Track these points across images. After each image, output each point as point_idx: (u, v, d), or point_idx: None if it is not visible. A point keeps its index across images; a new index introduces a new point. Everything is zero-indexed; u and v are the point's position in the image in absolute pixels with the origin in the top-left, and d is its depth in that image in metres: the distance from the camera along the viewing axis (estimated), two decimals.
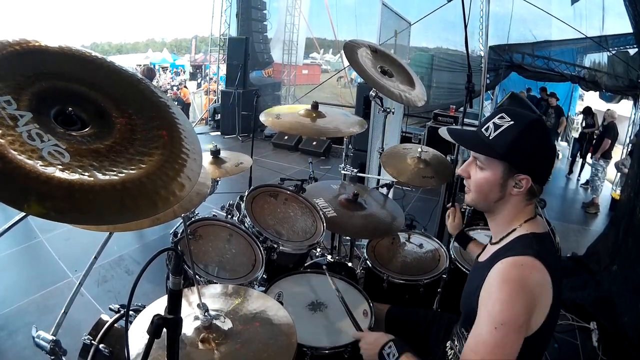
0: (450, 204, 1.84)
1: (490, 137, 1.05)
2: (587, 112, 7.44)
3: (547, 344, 1.04)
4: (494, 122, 1.06)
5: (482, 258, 1.20)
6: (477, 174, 1.11)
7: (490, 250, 1.14)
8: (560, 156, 9.02)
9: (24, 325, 2.45)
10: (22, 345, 2.29)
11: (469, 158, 1.16)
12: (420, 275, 1.91)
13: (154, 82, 5.17)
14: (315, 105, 2.00)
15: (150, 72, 5.63)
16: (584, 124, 7.59)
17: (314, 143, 7.45)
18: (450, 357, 1.27)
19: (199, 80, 15.39)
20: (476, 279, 1.08)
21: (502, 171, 1.05)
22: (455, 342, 1.26)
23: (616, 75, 6.69)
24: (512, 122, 1.03)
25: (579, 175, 7.35)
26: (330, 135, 2.02)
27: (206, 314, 1.08)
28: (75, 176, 0.61)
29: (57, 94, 0.72)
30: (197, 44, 21.79)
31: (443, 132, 2.36)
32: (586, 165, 7.23)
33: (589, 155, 6.76)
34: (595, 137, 6.81)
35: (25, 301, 2.72)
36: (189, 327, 1.08)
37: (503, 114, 1.06)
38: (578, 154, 7.75)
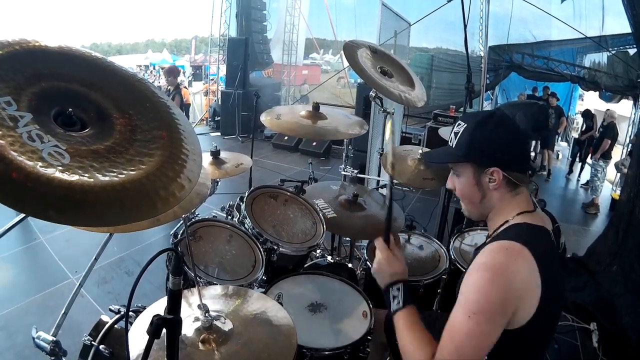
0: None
1: (453, 146, 1.12)
2: (587, 114, 7.44)
3: (544, 342, 1.03)
4: (454, 132, 1.13)
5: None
6: (457, 183, 1.16)
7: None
8: (560, 156, 9.02)
9: (24, 325, 2.45)
10: (22, 346, 2.29)
11: None
12: (420, 276, 1.91)
13: (156, 83, 5.11)
14: (316, 107, 2.00)
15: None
16: (583, 127, 7.58)
17: (314, 144, 7.45)
18: None
19: (189, 78, 15.36)
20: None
21: (472, 172, 1.10)
22: None
23: (616, 75, 6.69)
24: (465, 125, 1.09)
25: (579, 176, 7.35)
26: (330, 137, 2.02)
27: (206, 314, 1.08)
28: (75, 177, 0.61)
29: (57, 94, 0.72)
30: (197, 45, 21.80)
31: (443, 132, 2.37)
32: (586, 165, 7.23)
33: (589, 156, 6.76)
34: (594, 138, 6.82)
35: (26, 302, 2.72)
36: (189, 328, 1.08)
37: (459, 121, 1.13)
38: (578, 156, 7.74)
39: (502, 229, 1.08)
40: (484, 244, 1.07)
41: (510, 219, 1.07)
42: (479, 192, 1.10)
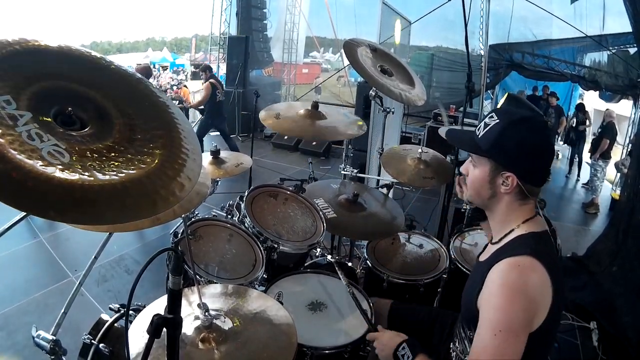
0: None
1: (479, 136, 1.09)
2: (580, 108, 7.48)
3: (550, 343, 1.05)
4: (484, 122, 1.10)
5: (482, 257, 1.20)
6: (471, 172, 1.15)
7: (491, 250, 1.15)
8: (560, 156, 9.00)
9: (24, 324, 2.45)
10: (22, 345, 2.29)
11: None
12: (421, 275, 1.91)
13: (153, 81, 5.10)
14: (315, 105, 2.00)
15: (146, 70, 5.59)
16: (574, 121, 7.58)
17: (314, 143, 7.45)
18: (453, 359, 1.27)
19: (182, 77, 15.33)
20: (476, 278, 1.09)
21: (489, 168, 1.09)
22: (457, 344, 1.26)
23: (616, 74, 6.69)
24: (497, 121, 1.07)
25: (578, 175, 7.35)
26: (329, 138, 2.02)
27: (206, 313, 1.08)
28: (75, 176, 0.61)
29: (57, 93, 0.72)
30: (197, 43, 21.76)
31: (442, 131, 2.37)
32: (585, 165, 7.23)
33: (587, 154, 6.77)
34: (585, 133, 6.86)
35: (25, 301, 2.72)
36: (189, 327, 1.08)
37: (493, 114, 1.10)
38: (576, 154, 7.73)
39: (508, 239, 1.08)
40: (494, 257, 1.06)
41: (515, 227, 1.08)
42: (489, 190, 1.10)
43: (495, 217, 1.15)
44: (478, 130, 1.11)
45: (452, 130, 1.31)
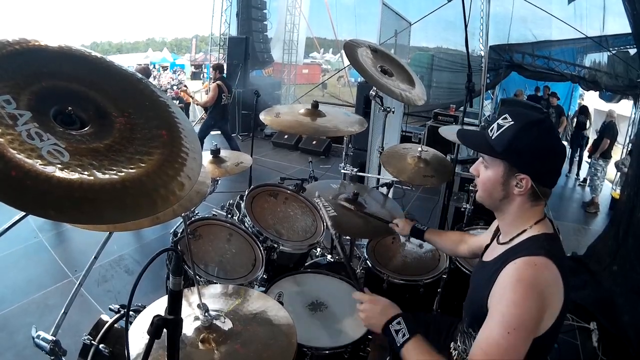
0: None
1: (493, 137, 1.08)
2: (583, 110, 7.48)
3: (553, 345, 1.04)
4: (498, 123, 1.09)
5: (487, 257, 1.19)
6: (483, 172, 1.14)
7: (499, 250, 1.13)
8: None
9: (24, 325, 2.45)
10: (22, 346, 2.29)
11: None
12: (421, 275, 1.91)
13: (153, 82, 5.08)
14: (315, 105, 1.99)
15: (145, 71, 5.55)
16: (574, 121, 7.58)
17: (314, 142, 7.45)
18: (454, 358, 1.27)
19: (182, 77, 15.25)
20: (483, 278, 1.07)
21: (502, 170, 1.08)
22: (459, 343, 1.25)
23: (616, 74, 6.69)
24: (512, 122, 1.06)
25: (577, 174, 7.35)
26: (329, 134, 2.02)
27: (206, 314, 1.08)
28: (74, 175, 0.60)
29: (57, 93, 0.72)
30: (198, 44, 21.80)
31: (443, 130, 2.37)
32: (585, 163, 7.23)
33: (586, 154, 6.78)
34: (586, 134, 6.86)
35: (25, 301, 2.71)
36: (189, 327, 1.08)
37: (506, 115, 1.09)
38: (577, 153, 7.74)
39: (520, 239, 1.08)
40: (505, 257, 1.05)
41: (528, 228, 1.08)
42: (502, 191, 1.09)
43: (505, 218, 1.14)
44: (491, 131, 1.10)
45: (463, 131, 1.30)
